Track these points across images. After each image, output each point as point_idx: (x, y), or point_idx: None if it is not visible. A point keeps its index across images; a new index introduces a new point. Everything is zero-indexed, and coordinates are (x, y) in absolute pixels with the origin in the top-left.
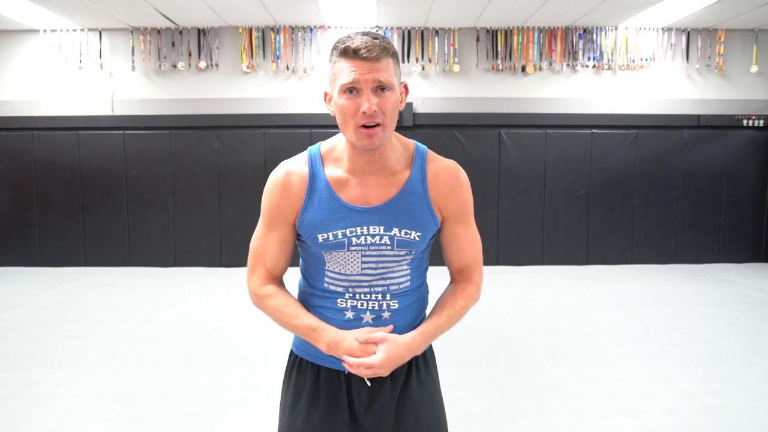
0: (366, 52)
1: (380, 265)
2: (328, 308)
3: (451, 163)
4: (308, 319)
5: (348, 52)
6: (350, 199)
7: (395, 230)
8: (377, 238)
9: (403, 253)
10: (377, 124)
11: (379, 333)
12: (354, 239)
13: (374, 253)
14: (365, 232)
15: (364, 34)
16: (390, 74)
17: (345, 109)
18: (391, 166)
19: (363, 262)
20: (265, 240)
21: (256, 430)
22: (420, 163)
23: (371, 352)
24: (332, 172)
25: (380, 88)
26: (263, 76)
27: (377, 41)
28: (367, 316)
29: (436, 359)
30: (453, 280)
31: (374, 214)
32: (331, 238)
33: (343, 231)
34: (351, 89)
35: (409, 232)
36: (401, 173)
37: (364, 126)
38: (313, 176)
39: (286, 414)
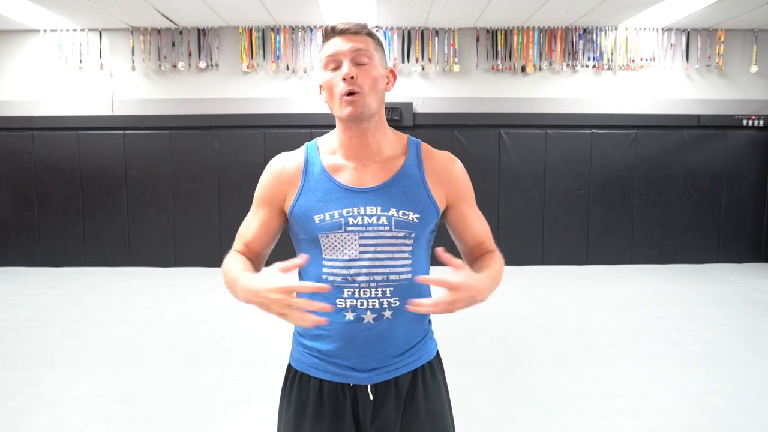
0: (342, 25)
1: (379, 248)
2: (327, 312)
3: (445, 152)
4: (235, 272)
5: (328, 32)
6: (346, 181)
7: (393, 210)
8: (374, 218)
9: (401, 235)
10: (355, 93)
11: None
12: (350, 219)
13: (372, 233)
14: (362, 212)
15: None
16: (368, 48)
17: (329, 83)
18: (386, 153)
19: (360, 245)
20: (249, 220)
21: (256, 430)
22: (415, 150)
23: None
24: (328, 159)
25: (360, 63)
26: (263, 76)
27: (355, 21)
28: (368, 317)
29: (443, 366)
30: (474, 256)
31: (371, 195)
32: (327, 218)
33: (340, 211)
34: (334, 64)
35: (407, 212)
36: (397, 159)
37: (346, 95)
38: (309, 162)
39: (289, 431)
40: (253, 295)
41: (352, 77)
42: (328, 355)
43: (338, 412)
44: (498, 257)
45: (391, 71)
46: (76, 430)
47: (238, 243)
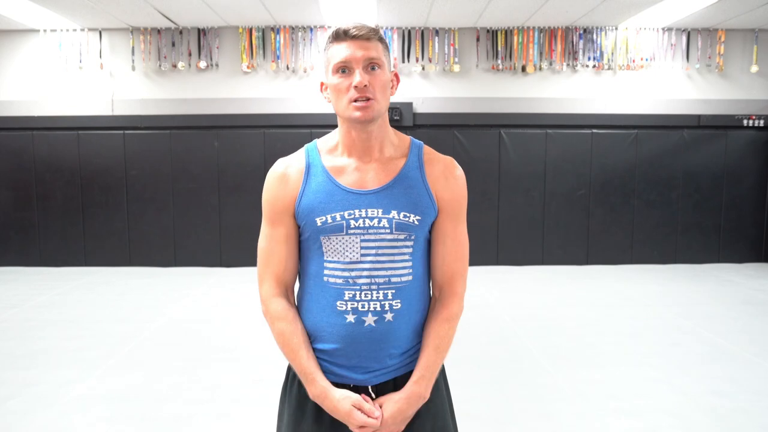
0: (356, 31)
1: (380, 251)
2: (328, 313)
3: (448, 157)
4: (306, 362)
5: (339, 35)
6: (348, 183)
7: (394, 213)
8: (375, 221)
9: (402, 237)
10: (368, 99)
11: (370, 407)
12: (352, 222)
13: (373, 236)
14: (363, 215)
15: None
16: (379, 54)
17: (338, 87)
18: (387, 153)
19: (362, 247)
20: (270, 239)
21: (256, 430)
22: (417, 152)
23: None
24: (329, 161)
25: (371, 66)
26: (263, 76)
27: (367, 25)
28: (369, 319)
29: (444, 366)
30: (434, 297)
31: (372, 197)
32: (329, 220)
33: (342, 213)
34: (343, 69)
35: (408, 215)
36: (398, 161)
37: (357, 101)
38: (310, 165)
39: (290, 429)
40: (337, 413)
41: (365, 86)
42: (329, 355)
43: None
44: (448, 320)
45: (395, 74)
46: (76, 430)
47: (269, 274)
